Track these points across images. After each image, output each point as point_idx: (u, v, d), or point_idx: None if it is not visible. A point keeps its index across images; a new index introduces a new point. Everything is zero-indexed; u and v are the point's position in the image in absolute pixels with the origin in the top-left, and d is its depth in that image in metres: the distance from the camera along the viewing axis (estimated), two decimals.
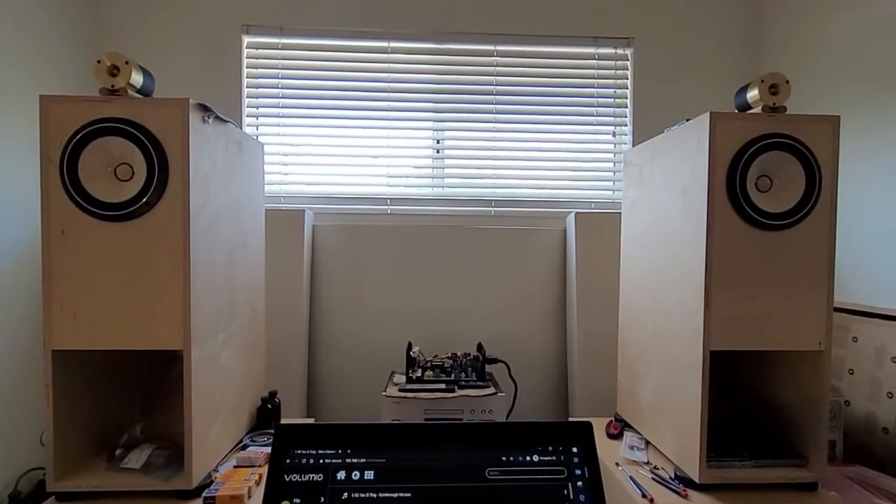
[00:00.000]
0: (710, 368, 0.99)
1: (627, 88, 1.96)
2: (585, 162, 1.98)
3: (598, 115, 1.97)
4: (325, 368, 1.87)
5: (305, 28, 1.87)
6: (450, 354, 1.62)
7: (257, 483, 1.01)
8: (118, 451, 1.03)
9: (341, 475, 0.69)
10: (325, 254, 1.87)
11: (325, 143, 1.91)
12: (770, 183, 0.99)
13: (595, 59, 1.95)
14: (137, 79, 0.97)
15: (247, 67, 1.87)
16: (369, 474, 0.70)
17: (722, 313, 0.99)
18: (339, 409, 1.86)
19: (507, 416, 1.53)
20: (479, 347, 1.62)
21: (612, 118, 1.97)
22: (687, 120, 1.08)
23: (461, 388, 1.45)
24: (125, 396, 1.13)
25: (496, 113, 1.94)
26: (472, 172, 1.96)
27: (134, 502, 0.95)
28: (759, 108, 1.01)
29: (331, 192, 1.92)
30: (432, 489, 0.68)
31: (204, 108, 1.00)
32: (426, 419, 1.37)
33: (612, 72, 1.96)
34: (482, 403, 1.40)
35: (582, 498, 0.71)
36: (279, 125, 1.90)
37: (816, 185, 0.99)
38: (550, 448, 0.74)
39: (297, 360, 1.71)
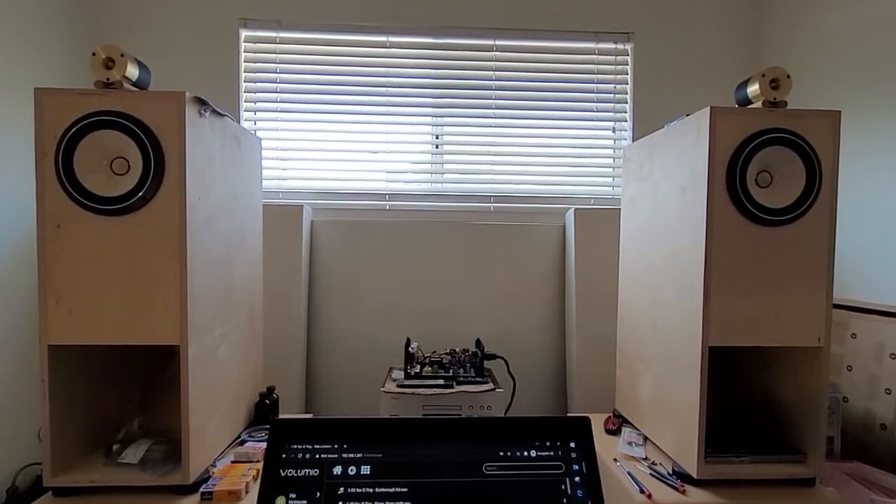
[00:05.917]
0: (708, 364, 0.99)
1: (627, 84, 1.95)
2: (585, 157, 1.97)
3: (597, 111, 1.96)
4: (323, 364, 1.87)
5: (303, 22, 1.85)
6: (448, 350, 1.62)
7: (255, 478, 1.01)
8: (115, 447, 1.03)
9: (337, 470, 0.69)
10: (323, 249, 1.87)
11: (323, 139, 1.90)
12: (770, 178, 0.99)
13: (595, 54, 1.94)
14: (133, 72, 0.96)
15: (244, 61, 1.86)
16: (366, 469, 0.69)
17: (721, 309, 0.99)
18: (338, 404, 1.86)
19: (506, 412, 1.53)
20: (478, 343, 1.62)
21: (611, 113, 1.96)
22: (687, 115, 1.07)
23: (459, 383, 1.44)
24: (122, 392, 1.12)
25: (495, 108, 1.93)
26: (471, 168, 1.96)
27: (131, 497, 0.94)
28: (760, 102, 1.01)
29: (329, 188, 1.91)
30: (429, 484, 0.68)
31: (201, 102, 1.00)
32: (424, 415, 1.37)
33: (612, 67, 1.95)
34: (480, 399, 1.40)
35: (580, 493, 0.70)
36: (277, 120, 1.89)
37: (817, 180, 0.98)
38: (548, 443, 0.74)
39: (295, 356, 1.71)
